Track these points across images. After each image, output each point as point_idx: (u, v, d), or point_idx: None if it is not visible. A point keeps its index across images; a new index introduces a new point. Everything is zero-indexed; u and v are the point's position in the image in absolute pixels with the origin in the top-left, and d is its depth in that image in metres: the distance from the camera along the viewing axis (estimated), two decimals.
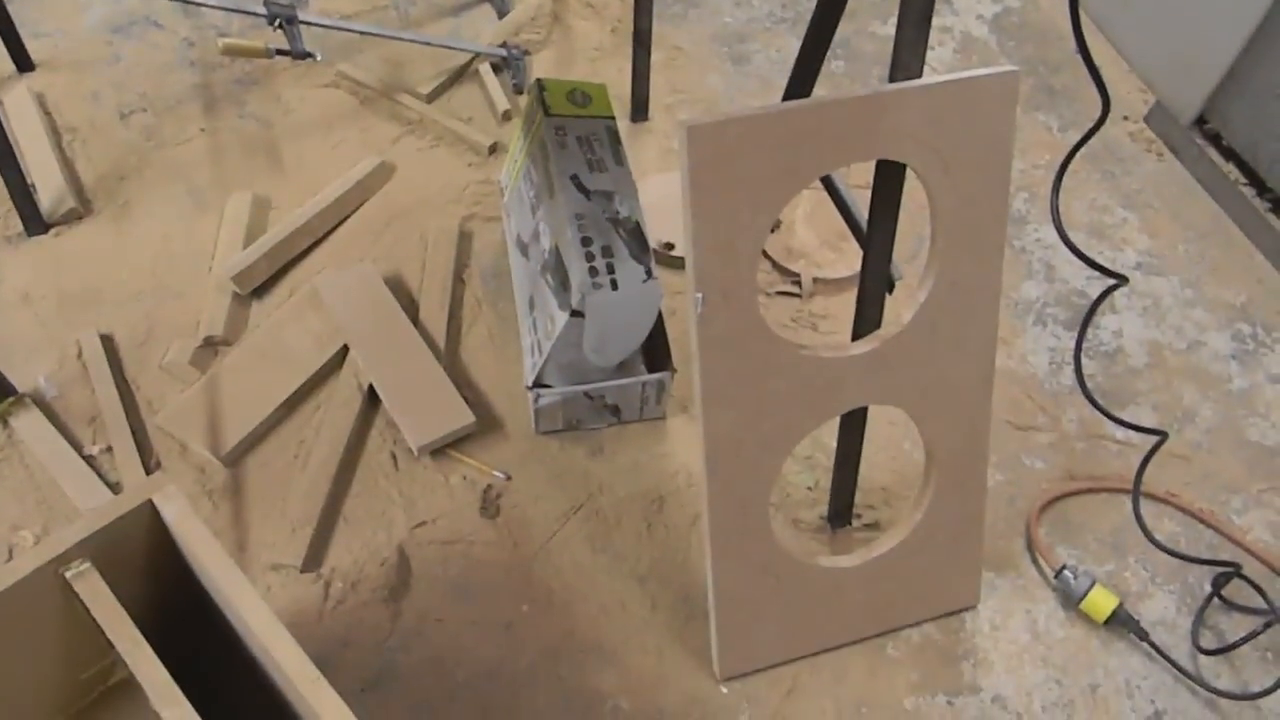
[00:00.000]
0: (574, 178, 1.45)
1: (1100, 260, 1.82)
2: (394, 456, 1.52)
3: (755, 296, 1.09)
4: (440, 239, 1.76)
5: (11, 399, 1.53)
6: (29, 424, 1.52)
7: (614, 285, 1.35)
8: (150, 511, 1.09)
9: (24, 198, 1.72)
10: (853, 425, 1.35)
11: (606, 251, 1.37)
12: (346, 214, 1.81)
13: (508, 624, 1.37)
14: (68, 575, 1.02)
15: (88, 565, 1.03)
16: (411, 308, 1.67)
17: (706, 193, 1.01)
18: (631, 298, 1.37)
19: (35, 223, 1.76)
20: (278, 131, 1.94)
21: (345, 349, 1.61)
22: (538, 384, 1.48)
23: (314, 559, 1.41)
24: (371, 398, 1.57)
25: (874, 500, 1.52)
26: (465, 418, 1.52)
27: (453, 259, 1.73)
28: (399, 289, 1.70)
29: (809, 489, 1.52)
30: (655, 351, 1.54)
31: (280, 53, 1.81)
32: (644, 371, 1.53)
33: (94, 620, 1.05)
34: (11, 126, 1.87)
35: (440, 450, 1.52)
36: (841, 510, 1.47)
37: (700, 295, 1.06)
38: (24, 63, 2.00)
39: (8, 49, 1.98)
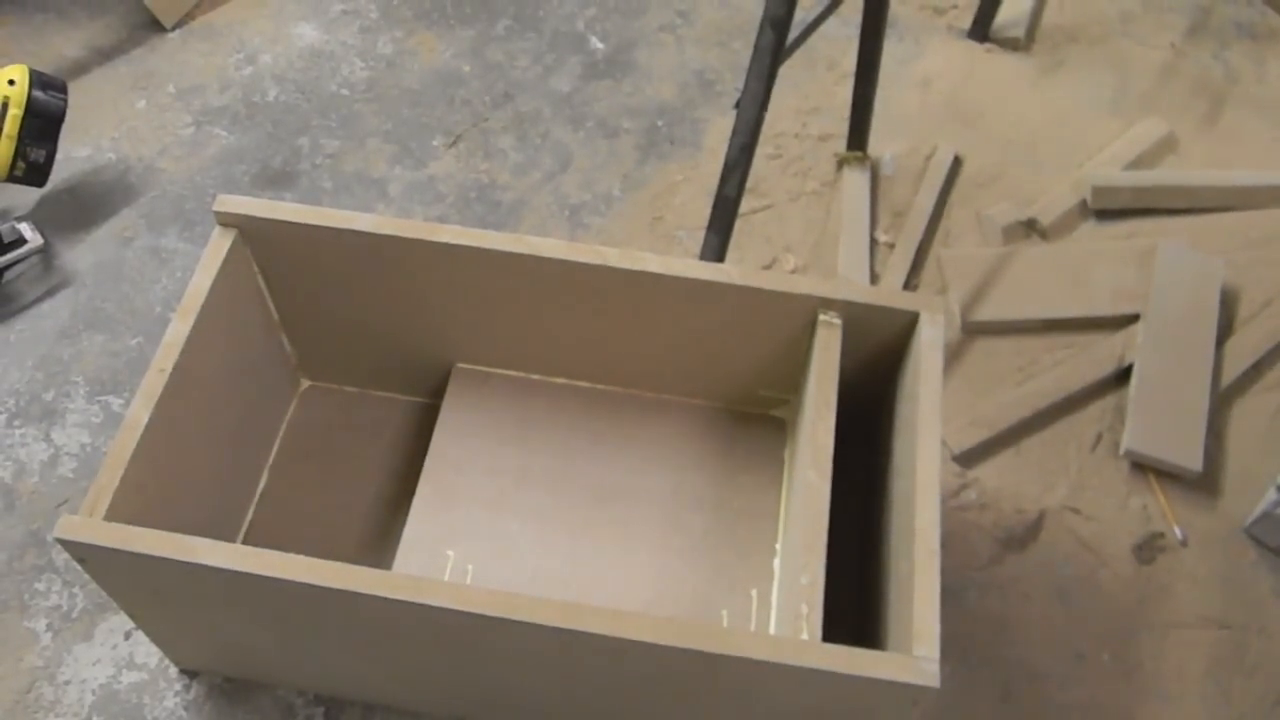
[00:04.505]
0: None
1: None
2: (1098, 437, 1.42)
3: None
4: None
5: (858, 153, 1.64)
6: (855, 180, 1.62)
7: None
8: (905, 321, 1.11)
9: (991, 5, 1.77)
10: None
11: None
12: (1235, 206, 1.64)
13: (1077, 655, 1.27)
14: (821, 317, 1.09)
15: (839, 320, 1.09)
16: (1226, 329, 1.51)
17: None
18: None
19: (980, 30, 1.81)
20: (1239, 90, 1.78)
21: (1134, 319, 1.50)
22: None
23: (969, 459, 1.39)
24: (1120, 377, 1.46)
25: None
26: (1192, 461, 1.37)
27: None
28: (1229, 304, 1.53)
29: None
30: None
31: None
32: None
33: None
34: None
35: (1140, 466, 1.40)
36: None
37: None
38: None
39: None
